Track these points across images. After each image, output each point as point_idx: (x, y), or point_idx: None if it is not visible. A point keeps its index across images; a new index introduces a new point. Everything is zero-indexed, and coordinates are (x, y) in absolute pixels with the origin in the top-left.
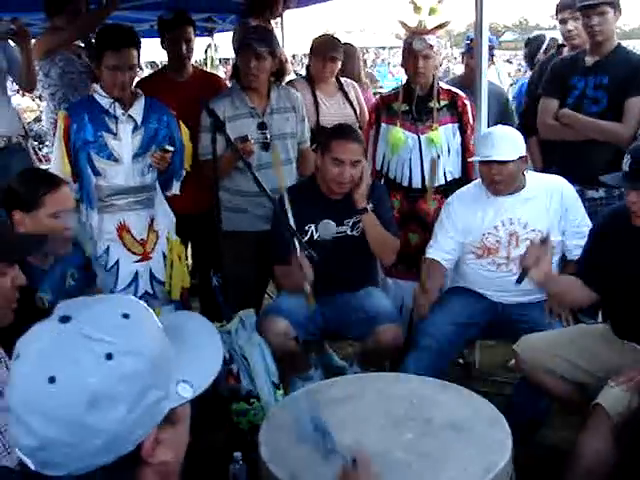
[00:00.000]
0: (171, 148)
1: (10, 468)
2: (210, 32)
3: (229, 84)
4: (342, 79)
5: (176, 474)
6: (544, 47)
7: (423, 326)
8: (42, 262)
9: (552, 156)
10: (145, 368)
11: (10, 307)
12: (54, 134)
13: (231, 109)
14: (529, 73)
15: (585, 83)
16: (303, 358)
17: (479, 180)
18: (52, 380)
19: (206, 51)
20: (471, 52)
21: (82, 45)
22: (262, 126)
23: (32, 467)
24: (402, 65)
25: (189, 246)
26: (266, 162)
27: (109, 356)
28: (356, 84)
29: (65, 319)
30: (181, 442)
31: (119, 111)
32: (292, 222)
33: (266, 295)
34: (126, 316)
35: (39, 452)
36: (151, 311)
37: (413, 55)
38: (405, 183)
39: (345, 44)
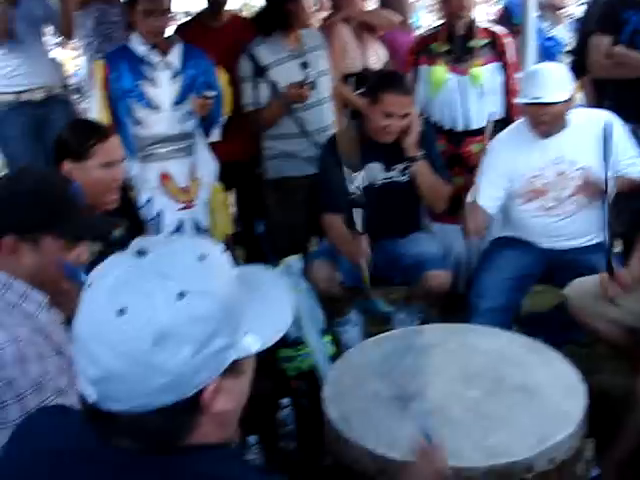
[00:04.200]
0: (212, 93)
1: (66, 406)
2: None
3: None
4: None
5: (234, 424)
6: None
7: (478, 288)
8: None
9: (604, 94)
10: (215, 313)
11: (68, 284)
12: (91, 85)
13: (272, 54)
14: None
15: (639, 17)
16: (346, 303)
17: (521, 121)
18: (121, 312)
19: None
20: None
21: None
22: (305, 65)
23: (93, 398)
24: (440, 5)
25: (233, 193)
26: (310, 102)
27: (181, 295)
28: None
29: (141, 253)
30: (242, 394)
31: (156, 58)
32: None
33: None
34: (202, 258)
35: (102, 384)
36: (228, 257)
37: None
38: (448, 126)
39: None
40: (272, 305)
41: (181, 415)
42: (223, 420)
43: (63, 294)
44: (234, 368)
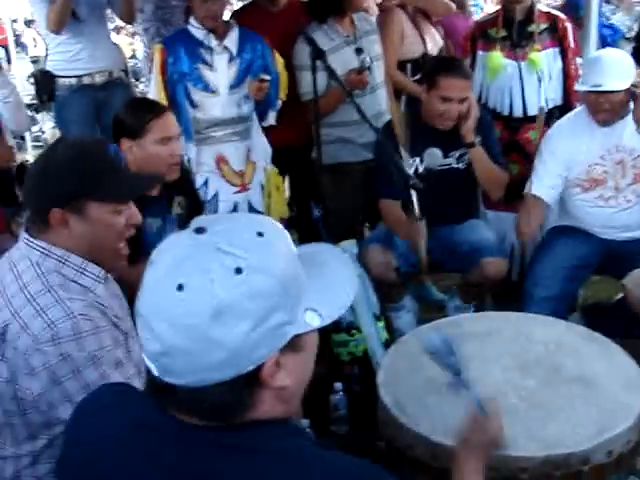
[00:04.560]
0: (268, 77)
1: (125, 383)
2: None
3: None
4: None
5: (296, 401)
6: None
7: (534, 276)
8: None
9: None
10: (273, 288)
11: (124, 247)
12: (149, 69)
13: (327, 41)
14: None
15: None
16: (400, 289)
17: (580, 108)
18: (180, 288)
19: None
20: None
21: None
22: (359, 51)
23: (155, 372)
24: None
25: (286, 178)
26: (368, 87)
27: (239, 270)
28: None
29: (200, 230)
30: (303, 370)
31: (214, 42)
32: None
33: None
34: (261, 234)
35: (162, 358)
36: (287, 234)
37: None
38: (506, 112)
39: None
40: (334, 282)
41: (240, 390)
42: (283, 396)
43: (122, 259)
44: (294, 344)
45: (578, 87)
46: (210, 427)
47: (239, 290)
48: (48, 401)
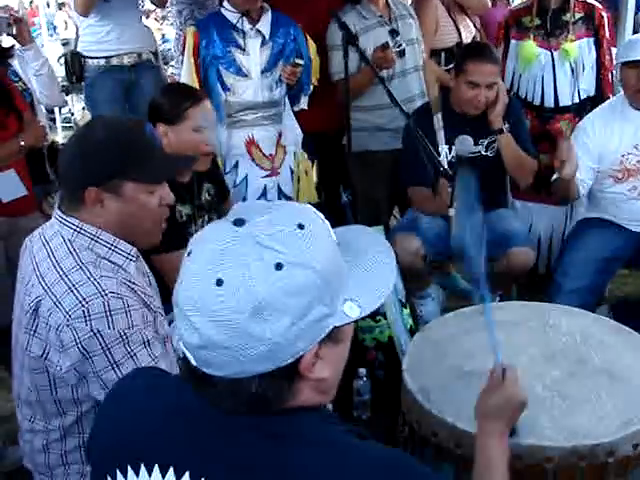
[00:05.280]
0: (301, 62)
1: (161, 369)
2: None
3: None
4: None
5: (333, 390)
6: None
7: (564, 267)
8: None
9: None
10: (314, 283)
11: (157, 227)
12: (182, 51)
13: (360, 21)
14: None
15: None
16: (426, 277)
17: (614, 99)
18: (219, 283)
19: None
20: None
21: None
22: (394, 33)
23: (193, 363)
24: None
25: (315, 163)
26: (399, 71)
27: (279, 266)
28: None
29: (240, 222)
30: (340, 361)
31: (247, 26)
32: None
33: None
34: (301, 226)
35: (201, 350)
36: (327, 223)
37: None
38: (537, 102)
39: None
40: (373, 271)
41: (279, 382)
42: (321, 387)
43: (155, 238)
44: (333, 336)
45: (616, 61)
46: (248, 414)
47: (279, 286)
48: (78, 377)
